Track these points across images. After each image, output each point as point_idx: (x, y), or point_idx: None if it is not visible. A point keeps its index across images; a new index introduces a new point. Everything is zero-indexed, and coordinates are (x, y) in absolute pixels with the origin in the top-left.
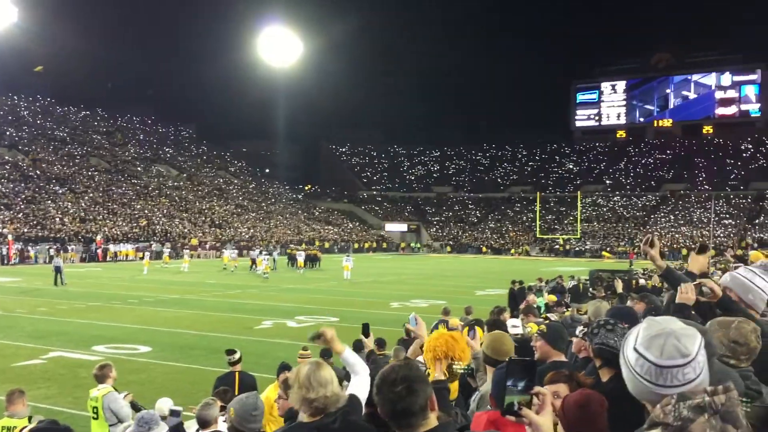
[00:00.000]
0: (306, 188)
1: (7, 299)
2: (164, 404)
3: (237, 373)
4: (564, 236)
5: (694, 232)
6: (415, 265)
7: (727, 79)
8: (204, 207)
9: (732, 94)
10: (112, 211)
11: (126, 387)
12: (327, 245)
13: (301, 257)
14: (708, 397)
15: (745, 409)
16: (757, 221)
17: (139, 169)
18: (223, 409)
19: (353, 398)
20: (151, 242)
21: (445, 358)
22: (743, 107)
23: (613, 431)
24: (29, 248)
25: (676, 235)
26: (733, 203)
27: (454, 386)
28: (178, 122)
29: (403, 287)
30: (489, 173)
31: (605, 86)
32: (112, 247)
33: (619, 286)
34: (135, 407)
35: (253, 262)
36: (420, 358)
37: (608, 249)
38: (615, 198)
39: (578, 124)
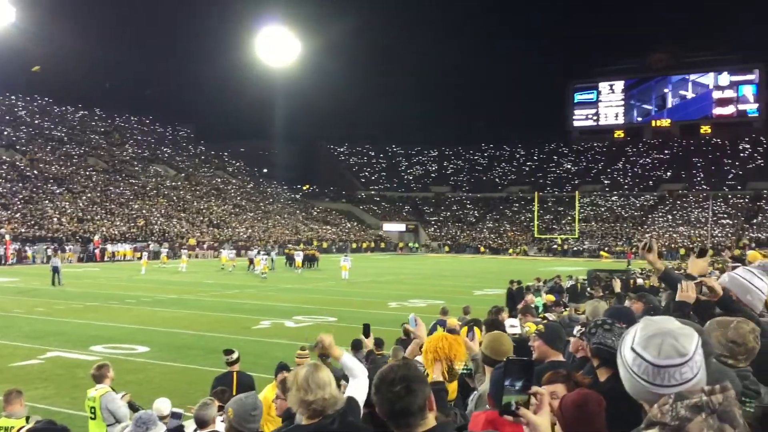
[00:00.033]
0: (304, 188)
1: (5, 299)
2: (162, 404)
3: (235, 373)
4: (562, 236)
5: (692, 231)
6: (413, 265)
7: (725, 78)
8: (202, 207)
9: (730, 93)
10: (110, 211)
11: (123, 387)
12: (325, 245)
13: (299, 257)
14: (705, 396)
15: (749, 409)
16: (754, 221)
17: (136, 169)
18: (221, 409)
19: (351, 400)
20: (149, 242)
21: (445, 360)
22: (741, 107)
23: (611, 431)
24: (27, 248)
25: (674, 235)
26: (731, 203)
27: (453, 386)
28: (175, 122)
29: (401, 287)
30: (487, 173)
31: (603, 86)
32: (109, 247)
33: (618, 285)
34: (132, 407)
35: (251, 262)
36: (418, 358)
37: (606, 249)
38: (613, 198)
39: (576, 123)
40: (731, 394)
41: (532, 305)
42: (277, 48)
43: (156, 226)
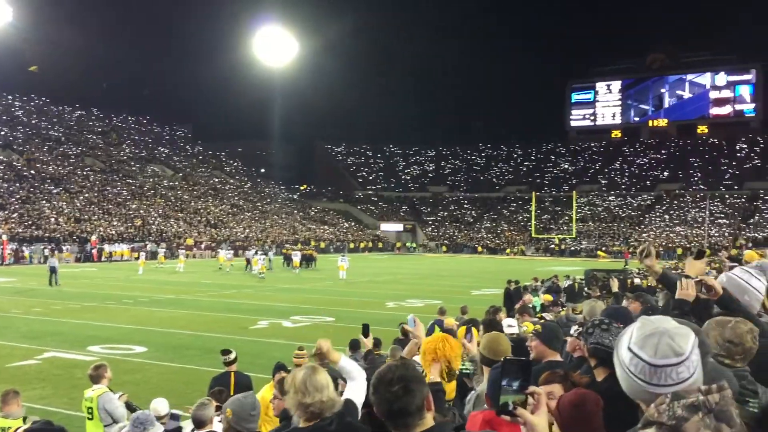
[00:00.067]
0: (301, 188)
1: (2, 299)
2: (159, 404)
3: (232, 374)
4: (559, 236)
5: (689, 231)
6: (411, 265)
7: (721, 78)
8: (199, 207)
9: (727, 93)
10: (107, 211)
11: (121, 387)
12: (323, 245)
13: (296, 257)
14: (702, 396)
15: (752, 409)
16: (751, 221)
17: (134, 168)
18: (218, 409)
19: (349, 402)
20: (147, 242)
21: (444, 361)
22: (738, 107)
23: (609, 430)
24: (24, 248)
25: (671, 235)
26: (728, 203)
27: (452, 386)
28: (173, 122)
29: (399, 287)
30: (484, 173)
31: (600, 86)
32: (107, 247)
33: (615, 285)
34: (130, 408)
35: (248, 262)
36: (416, 358)
37: (603, 248)
38: (610, 198)
39: (573, 123)
40: (728, 393)
41: (530, 305)
42: (275, 48)
43: (153, 226)
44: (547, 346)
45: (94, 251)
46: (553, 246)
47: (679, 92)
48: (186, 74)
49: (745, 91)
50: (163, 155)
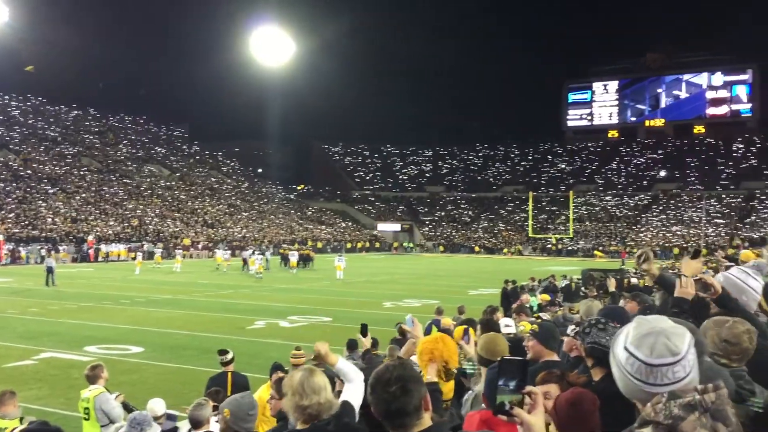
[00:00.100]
0: (299, 188)
1: None
2: (156, 405)
3: (229, 374)
4: (556, 236)
5: (686, 231)
6: (408, 265)
7: (718, 78)
8: (196, 207)
9: (723, 93)
10: (104, 211)
11: (118, 387)
12: (320, 245)
13: (293, 257)
14: (698, 395)
15: (756, 408)
16: (748, 220)
17: (131, 168)
18: (215, 409)
19: (346, 404)
20: (143, 242)
21: (440, 361)
22: (734, 107)
23: (605, 430)
24: (20, 248)
25: (668, 235)
26: (724, 202)
27: (450, 386)
28: (170, 122)
29: (396, 287)
30: (481, 173)
31: (597, 86)
32: (103, 248)
33: (612, 285)
34: (127, 408)
35: (245, 262)
36: (414, 358)
37: (600, 248)
38: (607, 197)
39: (570, 123)
40: (724, 392)
41: (527, 305)
42: (272, 48)
43: (150, 226)
44: (544, 345)
45: (91, 251)
46: (550, 246)
47: (675, 92)
48: (183, 74)
49: (741, 91)
50: (160, 155)
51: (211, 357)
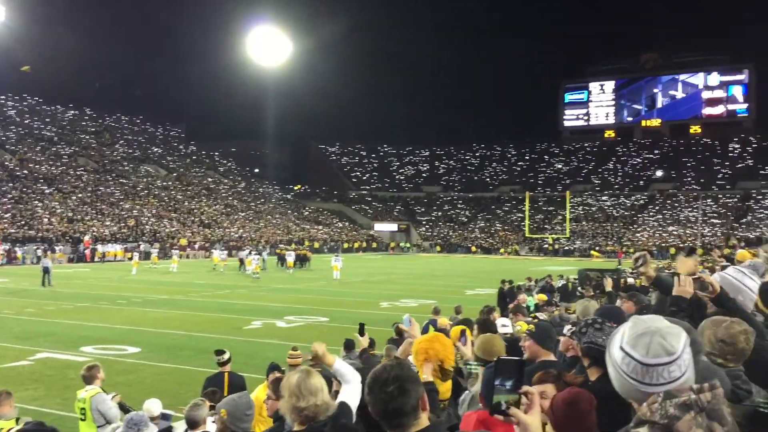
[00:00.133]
0: (295, 188)
1: None
2: (152, 405)
3: (226, 374)
4: (553, 236)
5: (682, 231)
6: (405, 265)
7: (714, 79)
8: (193, 207)
9: (719, 93)
10: (100, 211)
11: (114, 388)
12: (316, 245)
13: (290, 257)
14: (694, 394)
15: (764, 410)
16: (744, 220)
17: (127, 169)
18: (212, 409)
19: (343, 405)
20: (140, 242)
21: (435, 360)
22: (730, 107)
23: (602, 430)
24: (16, 249)
25: (664, 235)
26: (721, 202)
27: (447, 386)
28: (166, 122)
29: (393, 287)
30: (478, 173)
31: (594, 86)
32: (100, 248)
33: (609, 284)
34: (123, 408)
35: (242, 262)
36: (410, 358)
37: (597, 248)
38: (603, 197)
39: (567, 123)
40: (719, 392)
41: (524, 305)
42: (268, 48)
43: (147, 227)
44: (540, 345)
45: (87, 251)
46: (546, 246)
47: (672, 92)
48: (179, 74)
49: (737, 91)
50: (157, 155)
51: (207, 357)
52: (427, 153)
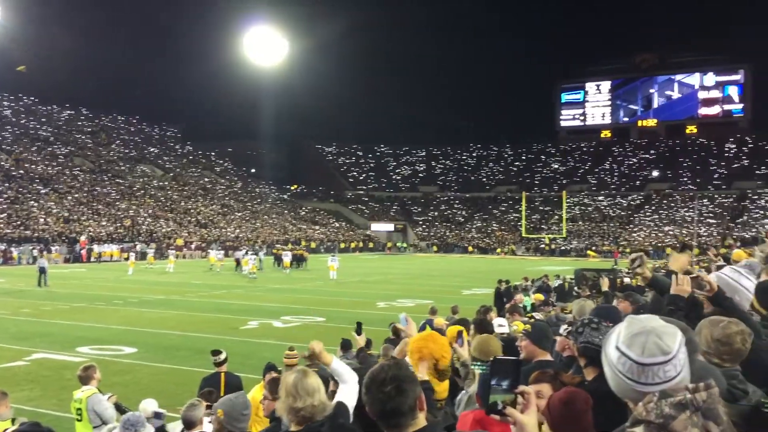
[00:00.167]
0: (292, 188)
1: None
2: (149, 405)
3: (223, 374)
4: (549, 236)
5: (678, 231)
6: (402, 265)
7: (710, 79)
8: (189, 207)
9: (715, 94)
10: (97, 211)
11: (110, 388)
12: (313, 245)
13: (287, 257)
14: (689, 394)
15: (765, 410)
16: (740, 220)
17: (123, 169)
18: (208, 409)
19: (340, 405)
20: (136, 243)
21: (430, 359)
22: (726, 107)
23: (598, 429)
24: (12, 249)
25: (660, 235)
26: (717, 202)
27: (444, 386)
28: (163, 122)
29: (390, 287)
30: (475, 173)
31: (590, 86)
32: (96, 248)
33: (605, 284)
34: (119, 409)
35: (238, 262)
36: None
37: (593, 248)
38: (600, 197)
39: (563, 124)
40: (715, 391)
41: (521, 304)
42: (265, 48)
43: (143, 227)
44: (536, 345)
45: (84, 252)
46: (543, 246)
47: (668, 92)
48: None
49: (733, 91)
50: (153, 155)
51: (204, 357)
52: (423, 153)
